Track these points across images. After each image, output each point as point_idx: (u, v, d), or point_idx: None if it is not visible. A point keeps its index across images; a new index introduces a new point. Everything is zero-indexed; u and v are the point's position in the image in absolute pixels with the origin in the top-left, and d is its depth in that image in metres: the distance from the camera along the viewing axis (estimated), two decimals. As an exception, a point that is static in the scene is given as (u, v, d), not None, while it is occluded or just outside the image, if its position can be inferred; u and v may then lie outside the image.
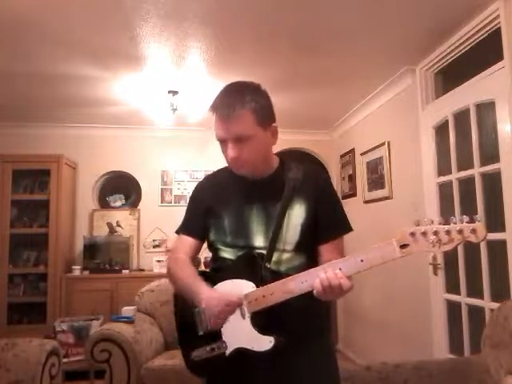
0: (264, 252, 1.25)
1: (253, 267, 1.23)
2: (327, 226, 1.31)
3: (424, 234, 1.01)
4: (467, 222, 0.98)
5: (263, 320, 1.19)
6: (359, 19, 2.48)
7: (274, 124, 1.31)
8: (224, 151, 1.29)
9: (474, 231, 0.97)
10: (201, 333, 1.27)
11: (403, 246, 1.04)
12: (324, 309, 1.38)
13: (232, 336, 1.23)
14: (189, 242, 1.41)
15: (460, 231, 0.98)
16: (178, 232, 1.46)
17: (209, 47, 2.82)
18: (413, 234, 1.03)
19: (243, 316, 1.21)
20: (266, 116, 1.28)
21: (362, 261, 1.09)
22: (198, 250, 1.43)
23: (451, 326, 2.75)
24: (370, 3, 2.31)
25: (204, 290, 1.24)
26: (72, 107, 4.04)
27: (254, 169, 1.30)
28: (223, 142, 1.26)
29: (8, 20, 2.41)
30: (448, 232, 0.99)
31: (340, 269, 1.10)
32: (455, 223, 0.99)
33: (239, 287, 1.23)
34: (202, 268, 4.28)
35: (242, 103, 1.22)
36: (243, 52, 2.91)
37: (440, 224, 1.00)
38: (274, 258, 1.26)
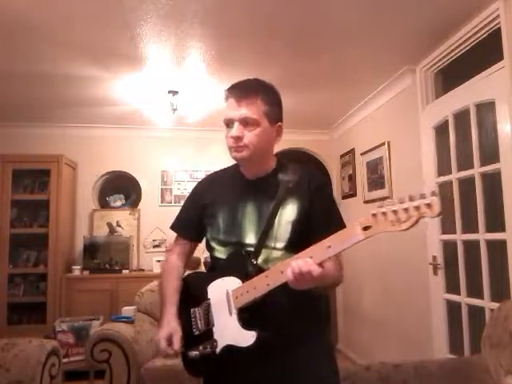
0: (253, 249, 1.27)
1: (241, 264, 1.25)
2: (321, 223, 1.30)
3: (384, 214, 1.01)
4: (425, 198, 0.97)
5: (248, 315, 1.21)
6: (359, 19, 2.48)
7: (280, 123, 1.35)
8: (226, 135, 1.30)
9: (428, 206, 0.96)
10: (196, 333, 1.30)
11: (366, 228, 1.03)
12: (314, 307, 1.36)
13: (221, 333, 1.26)
14: (184, 244, 1.48)
15: (417, 207, 0.97)
16: (172, 227, 1.50)
17: (209, 47, 2.82)
18: (374, 216, 1.02)
19: (230, 313, 1.23)
20: (274, 112, 1.32)
21: (329, 247, 1.08)
22: (193, 249, 1.51)
23: (451, 326, 2.75)
24: (370, 3, 2.31)
25: (165, 324, 1.33)
26: (72, 107, 4.04)
27: (252, 157, 1.30)
28: (230, 124, 1.28)
29: (8, 20, 2.41)
30: (406, 210, 0.98)
31: (311, 257, 1.10)
32: (414, 200, 0.98)
33: (228, 284, 1.25)
34: (202, 268, 4.28)
35: (256, 90, 1.30)
36: (243, 52, 2.91)
37: (401, 203, 0.99)
38: (263, 255, 1.27)
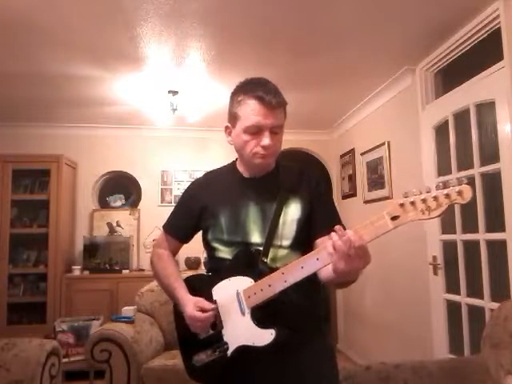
0: (261, 248, 1.26)
1: (250, 263, 1.24)
2: (322, 222, 1.31)
3: (413, 203, 1.03)
4: (453, 186, 1.00)
5: (263, 314, 1.20)
6: (359, 19, 2.48)
7: None
8: (248, 141, 1.27)
9: (460, 193, 0.99)
10: (201, 337, 1.28)
11: (394, 218, 1.04)
12: (321, 303, 1.39)
13: (232, 335, 1.23)
14: (171, 242, 1.47)
15: (447, 195, 0.99)
16: (166, 227, 1.49)
17: (209, 47, 2.82)
18: (402, 205, 1.04)
19: (243, 313, 1.22)
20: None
21: None
22: (179, 249, 1.51)
23: (451, 326, 2.75)
24: (370, 3, 2.31)
25: (186, 302, 1.28)
26: (72, 107, 4.04)
27: (273, 162, 1.35)
28: (258, 130, 1.25)
29: (8, 20, 2.41)
30: (435, 198, 1.00)
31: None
32: (442, 189, 1.01)
33: (237, 284, 1.24)
34: (202, 268, 4.28)
35: (282, 96, 1.28)
36: (243, 52, 2.91)
37: (428, 192, 1.02)
38: (271, 254, 1.26)
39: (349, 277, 1.12)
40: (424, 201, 1.01)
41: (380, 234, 1.05)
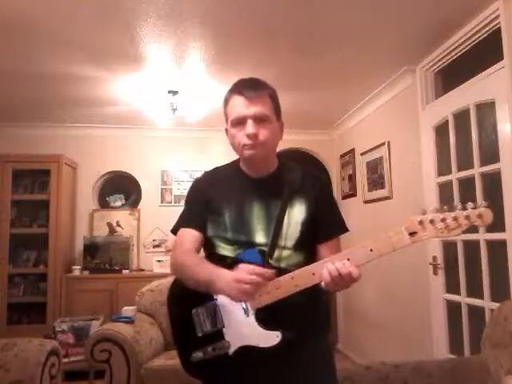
0: (265, 249, 1.26)
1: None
2: (326, 226, 1.33)
3: (432, 221, 1.06)
4: (472, 208, 1.03)
5: (268, 316, 1.19)
6: (359, 19, 2.48)
7: (282, 121, 1.37)
8: (235, 134, 1.28)
9: (480, 216, 1.02)
10: (200, 334, 1.26)
11: (412, 234, 1.07)
12: (324, 305, 1.40)
13: (235, 334, 1.22)
14: (192, 234, 1.34)
15: (467, 217, 1.03)
16: (174, 230, 1.39)
17: (209, 47, 2.82)
18: (421, 222, 1.07)
19: (247, 313, 1.21)
20: (278, 108, 1.35)
21: (371, 250, 1.11)
22: (202, 243, 1.36)
23: (451, 326, 2.75)
24: (370, 3, 2.30)
25: (225, 272, 1.17)
26: (72, 107, 4.04)
27: (265, 155, 1.31)
28: (240, 122, 1.26)
29: (8, 20, 2.41)
30: (455, 218, 1.04)
31: (348, 259, 1.12)
32: (461, 210, 1.03)
33: None
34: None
35: (264, 86, 1.32)
36: (243, 52, 2.91)
37: (445, 211, 1.04)
38: (275, 254, 1.26)
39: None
40: (443, 220, 1.04)
41: (397, 248, 1.09)
